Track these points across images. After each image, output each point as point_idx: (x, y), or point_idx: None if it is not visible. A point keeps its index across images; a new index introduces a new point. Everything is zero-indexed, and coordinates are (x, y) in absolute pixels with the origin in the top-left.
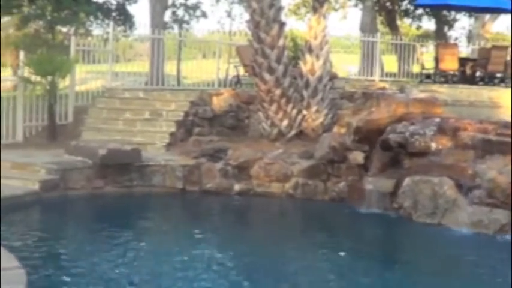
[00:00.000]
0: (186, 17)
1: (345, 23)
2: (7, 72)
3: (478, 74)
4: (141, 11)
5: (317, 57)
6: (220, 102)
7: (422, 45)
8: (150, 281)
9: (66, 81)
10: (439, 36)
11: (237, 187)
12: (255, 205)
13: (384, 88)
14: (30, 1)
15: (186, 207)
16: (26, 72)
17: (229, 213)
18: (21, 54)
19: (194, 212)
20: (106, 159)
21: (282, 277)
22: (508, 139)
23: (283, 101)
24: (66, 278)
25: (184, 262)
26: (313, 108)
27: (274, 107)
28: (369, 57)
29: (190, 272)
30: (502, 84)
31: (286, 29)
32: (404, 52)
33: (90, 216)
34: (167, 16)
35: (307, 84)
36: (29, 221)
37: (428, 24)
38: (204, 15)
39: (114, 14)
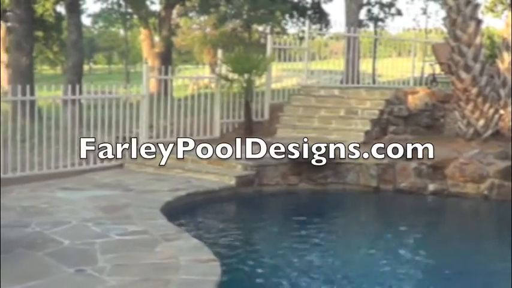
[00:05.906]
0: (381, 15)
1: None
2: (205, 70)
3: None
4: (336, 10)
5: None
6: (416, 100)
7: None
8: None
9: (263, 79)
10: None
11: (431, 187)
12: (455, 206)
13: None
14: (227, 1)
15: (385, 207)
16: (224, 70)
17: (433, 215)
18: (219, 52)
19: (397, 212)
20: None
21: None
22: None
23: (479, 100)
24: (262, 272)
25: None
26: (511, 108)
27: (470, 106)
28: None
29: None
30: None
31: (483, 26)
32: None
33: (289, 212)
34: (362, 14)
35: (504, 83)
36: (228, 215)
37: None
38: (399, 13)
39: (309, 12)
